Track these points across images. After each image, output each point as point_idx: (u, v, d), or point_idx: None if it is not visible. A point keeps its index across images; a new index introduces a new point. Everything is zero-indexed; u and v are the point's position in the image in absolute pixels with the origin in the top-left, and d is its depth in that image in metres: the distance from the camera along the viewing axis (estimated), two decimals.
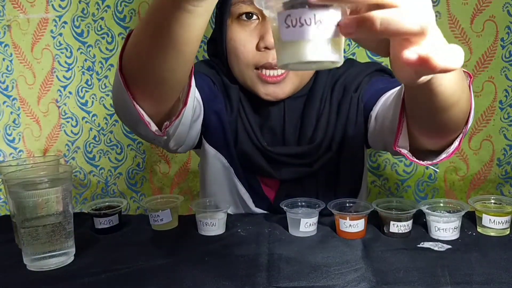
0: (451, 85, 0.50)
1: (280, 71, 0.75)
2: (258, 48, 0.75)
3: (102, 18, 1.40)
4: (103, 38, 1.41)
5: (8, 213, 0.78)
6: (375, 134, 0.79)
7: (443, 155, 0.63)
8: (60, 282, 0.61)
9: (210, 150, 0.87)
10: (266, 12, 0.36)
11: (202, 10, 0.46)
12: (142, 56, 0.53)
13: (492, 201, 0.75)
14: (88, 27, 1.41)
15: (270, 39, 0.72)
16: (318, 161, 0.84)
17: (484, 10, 1.26)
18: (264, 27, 0.74)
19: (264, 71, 0.75)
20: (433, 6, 1.34)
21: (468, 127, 0.62)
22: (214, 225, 0.76)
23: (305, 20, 0.33)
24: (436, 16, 1.25)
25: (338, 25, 0.34)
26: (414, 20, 0.32)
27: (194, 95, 0.71)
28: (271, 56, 0.73)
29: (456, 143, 0.62)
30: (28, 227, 0.64)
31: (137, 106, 0.59)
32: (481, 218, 0.73)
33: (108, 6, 1.38)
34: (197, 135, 0.82)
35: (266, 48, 0.73)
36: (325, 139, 0.83)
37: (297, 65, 0.36)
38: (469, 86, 0.60)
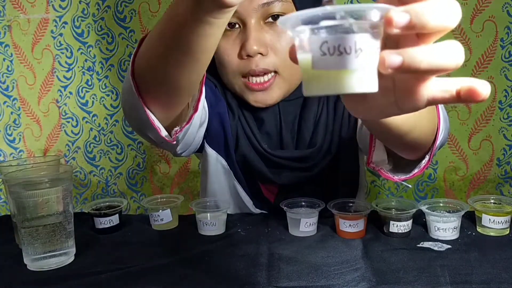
0: (399, 117, 0.47)
1: (266, 78, 0.74)
2: (240, 56, 0.74)
3: (102, 19, 1.40)
4: (103, 38, 1.41)
5: (9, 213, 0.78)
6: (360, 139, 0.78)
7: (416, 170, 0.62)
8: (60, 282, 0.61)
9: (212, 152, 0.86)
10: (290, 34, 0.33)
11: (222, 22, 0.46)
12: (156, 63, 0.53)
13: (492, 201, 0.75)
14: (89, 27, 1.41)
15: (251, 47, 0.71)
16: (318, 165, 0.83)
17: (484, 10, 1.26)
18: (244, 34, 0.72)
19: (250, 78, 0.74)
20: None
21: (437, 144, 0.60)
22: (214, 225, 0.76)
23: (344, 48, 0.30)
24: None
25: (376, 50, 0.31)
26: (454, 57, 0.31)
27: (204, 101, 0.71)
28: (254, 63, 0.72)
29: (426, 157, 0.60)
30: (28, 227, 0.64)
31: (148, 112, 0.59)
32: (480, 218, 0.73)
33: (108, 7, 1.39)
34: (200, 140, 0.82)
35: (248, 56, 0.72)
36: (324, 143, 0.83)
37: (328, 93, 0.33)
38: (436, 106, 0.58)
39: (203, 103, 0.67)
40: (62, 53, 1.44)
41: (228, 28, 0.73)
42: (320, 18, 0.30)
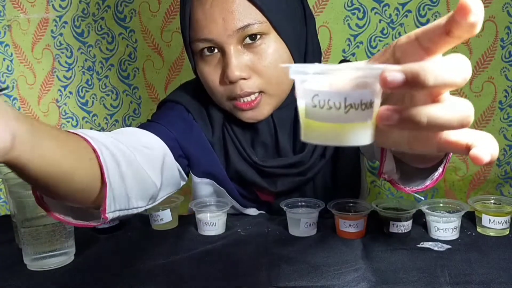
0: None
1: (253, 97, 0.73)
2: (223, 82, 0.73)
3: (102, 18, 1.40)
4: (103, 38, 1.41)
5: (9, 213, 0.78)
6: (365, 147, 0.78)
7: (428, 182, 0.59)
8: (60, 282, 0.61)
9: (198, 180, 0.86)
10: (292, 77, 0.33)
11: (23, 162, 0.40)
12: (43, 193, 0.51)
13: (492, 201, 0.75)
14: (89, 27, 1.41)
15: (232, 74, 0.69)
16: (311, 169, 0.82)
17: (484, 10, 1.26)
18: (224, 61, 0.71)
19: (238, 99, 0.73)
20: (433, 6, 1.32)
21: (450, 155, 0.58)
22: (214, 225, 0.76)
23: (334, 104, 0.30)
24: (436, 16, 1.26)
25: (370, 107, 0.31)
26: (460, 117, 0.30)
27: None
28: (238, 88, 0.71)
29: (440, 169, 0.58)
30: (28, 227, 0.64)
31: (58, 216, 0.53)
32: (480, 218, 0.73)
33: (108, 6, 1.38)
34: (175, 176, 0.77)
35: (230, 82, 0.71)
36: (317, 147, 0.81)
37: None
38: None
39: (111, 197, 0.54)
40: (62, 52, 1.44)
41: (207, 53, 0.72)
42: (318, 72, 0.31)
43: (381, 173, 0.60)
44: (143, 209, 0.62)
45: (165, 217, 0.79)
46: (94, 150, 0.51)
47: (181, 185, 0.80)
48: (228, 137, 0.82)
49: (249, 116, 0.75)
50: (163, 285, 0.59)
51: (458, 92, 1.31)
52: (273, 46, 0.71)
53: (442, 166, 0.56)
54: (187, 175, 0.84)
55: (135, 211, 0.59)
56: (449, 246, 0.68)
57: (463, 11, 0.28)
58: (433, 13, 1.26)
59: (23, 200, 0.63)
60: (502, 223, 0.71)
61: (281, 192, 0.83)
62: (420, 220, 0.76)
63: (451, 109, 0.30)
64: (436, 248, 0.68)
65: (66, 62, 1.45)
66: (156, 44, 1.40)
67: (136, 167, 0.59)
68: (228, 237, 0.75)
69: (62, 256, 0.66)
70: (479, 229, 0.74)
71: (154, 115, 0.83)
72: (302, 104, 0.33)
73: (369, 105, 0.31)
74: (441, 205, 0.75)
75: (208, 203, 0.82)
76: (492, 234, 0.72)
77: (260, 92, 0.73)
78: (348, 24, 1.30)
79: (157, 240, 0.76)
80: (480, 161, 0.31)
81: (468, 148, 0.31)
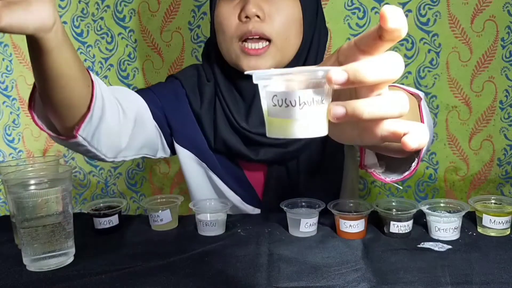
0: None
1: (262, 44, 0.79)
2: (240, 18, 0.79)
3: (101, 18, 1.39)
4: (102, 38, 1.41)
5: (8, 214, 0.78)
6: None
7: (406, 172, 0.62)
8: (60, 282, 0.61)
9: (180, 149, 0.92)
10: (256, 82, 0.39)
11: (54, 46, 0.55)
12: (41, 90, 0.63)
13: (493, 201, 0.75)
14: (88, 27, 1.41)
15: (250, 9, 0.76)
16: (295, 143, 0.86)
17: (484, 10, 1.26)
18: (244, 1, 0.78)
19: (246, 44, 0.79)
20: (433, 6, 1.33)
21: (426, 147, 0.60)
22: (214, 225, 0.76)
23: (290, 102, 0.36)
24: (436, 16, 1.25)
25: (321, 103, 0.37)
26: (396, 108, 0.36)
27: (105, 103, 0.73)
28: (251, 25, 0.77)
29: (415, 160, 0.60)
30: (27, 228, 0.64)
31: (37, 121, 0.68)
32: (481, 218, 0.72)
33: (107, 6, 1.38)
34: (146, 142, 0.86)
35: (247, 17, 0.78)
36: None
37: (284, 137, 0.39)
38: (419, 107, 0.59)
39: (100, 106, 0.69)
40: None
41: None
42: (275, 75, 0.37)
43: (362, 166, 0.65)
44: (102, 156, 0.75)
45: (165, 218, 0.79)
46: (92, 83, 0.66)
47: (159, 154, 0.92)
48: (219, 107, 0.87)
49: (251, 64, 0.80)
50: (162, 286, 0.59)
51: (459, 92, 1.31)
52: (290, 4, 0.79)
53: (417, 157, 0.59)
54: (171, 148, 0.93)
55: (96, 152, 0.73)
56: (449, 246, 0.68)
57: (382, 19, 0.33)
58: (434, 13, 1.26)
59: (22, 200, 0.63)
60: (503, 223, 0.71)
61: (262, 161, 0.87)
62: (420, 220, 0.76)
63: (388, 101, 0.36)
64: (436, 248, 0.68)
65: None
66: (155, 44, 1.40)
67: (114, 120, 0.73)
68: (228, 237, 0.75)
69: (62, 257, 0.66)
70: (479, 229, 0.73)
71: (153, 85, 0.94)
72: (264, 105, 0.38)
73: (320, 101, 0.36)
74: (441, 205, 0.75)
75: (208, 203, 0.82)
76: (492, 234, 0.72)
77: (269, 42, 0.79)
78: (348, 23, 1.30)
79: (157, 241, 0.76)
80: (408, 147, 0.36)
81: (403, 136, 0.36)
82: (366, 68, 0.34)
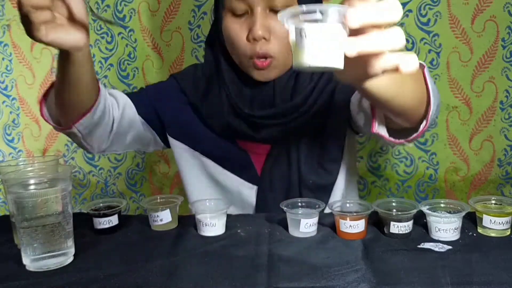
0: (382, 85, 0.56)
1: (267, 60, 0.85)
2: (248, 39, 0.84)
3: None
4: (102, 37, 1.41)
5: (8, 213, 0.78)
6: (359, 110, 0.85)
7: (414, 134, 0.69)
8: (59, 282, 0.61)
9: (175, 142, 0.99)
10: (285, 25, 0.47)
11: (80, 61, 0.70)
12: (58, 90, 0.78)
13: (493, 201, 0.75)
14: None
15: (257, 32, 0.81)
16: (292, 122, 0.89)
17: (485, 10, 1.26)
18: (252, 20, 0.82)
19: (255, 59, 0.84)
20: (434, 6, 1.32)
21: (432, 109, 0.66)
22: (214, 226, 0.76)
23: (305, 33, 0.44)
24: (437, 16, 1.25)
25: (339, 38, 0.44)
26: (395, 42, 0.44)
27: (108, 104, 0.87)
28: (258, 46, 0.83)
29: (423, 122, 0.68)
30: (27, 227, 0.64)
31: (44, 111, 0.83)
32: (481, 219, 0.72)
33: (108, 6, 1.38)
34: (134, 138, 0.97)
35: (254, 39, 0.82)
36: (306, 102, 0.89)
37: (305, 69, 0.46)
38: (423, 74, 0.66)
39: (102, 108, 0.83)
40: None
41: (238, 14, 0.84)
42: (301, 12, 0.45)
43: (374, 128, 0.71)
44: (92, 150, 0.90)
45: (165, 218, 0.79)
46: (99, 91, 0.81)
47: (152, 148, 1.04)
48: (223, 94, 0.92)
49: (261, 75, 0.87)
50: (163, 285, 0.59)
51: (459, 92, 1.31)
52: None
53: (425, 119, 0.67)
54: (165, 142, 1.01)
55: (87, 146, 0.88)
56: (449, 247, 0.68)
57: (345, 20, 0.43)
58: (434, 13, 1.26)
59: (22, 200, 0.63)
60: (503, 224, 0.71)
61: (265, 140, 0.92)
62: (420, 221, 0.76)
63: (391, 35, 0.44)
64: (436, 249, 0.68)
65: None
66: (155, 44, 1.40)
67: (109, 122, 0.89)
68: (228, 237, 0.75)
69: (61, 257, 0.66)
70: (480, 230, 0.73)
71: (146, 86, 1.04)
72: (293, 37, 0.45)
73: (339, 36, 0.44)
74: (441, 205, 0.75)
75: (208, 204, 0.82)
76: (493, 234, 0.72)
77: (271, 57, 0.84)
78: None
79: (156, 241, 0.75)
80: (400, 70, 0.45)
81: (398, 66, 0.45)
82: (375, 10, 0.43)
